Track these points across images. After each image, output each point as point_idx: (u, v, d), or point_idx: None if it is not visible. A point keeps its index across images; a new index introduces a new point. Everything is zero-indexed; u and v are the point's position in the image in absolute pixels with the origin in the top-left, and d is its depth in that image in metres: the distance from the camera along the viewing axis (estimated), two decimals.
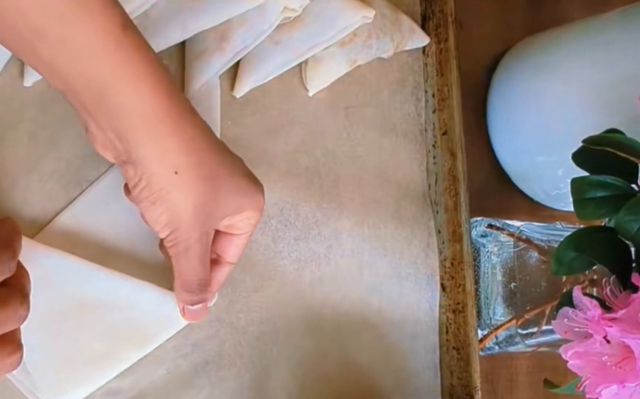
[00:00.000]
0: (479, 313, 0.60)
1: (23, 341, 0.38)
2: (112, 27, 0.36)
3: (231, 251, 0.46)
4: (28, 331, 0.38)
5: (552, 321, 0.44)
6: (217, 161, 0.41)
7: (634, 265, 0.44)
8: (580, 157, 0.47)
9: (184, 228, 0.41)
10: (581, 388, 0.41)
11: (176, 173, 0.39)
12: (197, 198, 0.40)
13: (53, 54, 0.35)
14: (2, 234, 0.37)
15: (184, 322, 0.49)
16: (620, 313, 0.40)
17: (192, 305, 0.46)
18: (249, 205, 0.44)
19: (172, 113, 0.38)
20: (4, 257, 0.36)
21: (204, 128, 0.41)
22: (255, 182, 0.45)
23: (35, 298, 0.38)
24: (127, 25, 0.37)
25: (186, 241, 0.41)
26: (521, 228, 0.60)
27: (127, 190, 0.43)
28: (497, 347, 0.61)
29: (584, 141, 0.46)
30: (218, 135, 0.51)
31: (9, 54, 0.47)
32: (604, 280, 0.44)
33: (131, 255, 0.49)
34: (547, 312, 0.55)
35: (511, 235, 0.60)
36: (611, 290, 0.43)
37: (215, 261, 0.47)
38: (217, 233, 0.45)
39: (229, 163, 0.43)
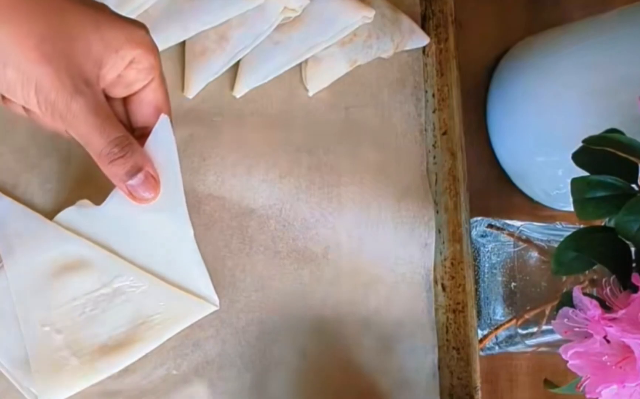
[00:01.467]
0: (479, 313, 0.60)
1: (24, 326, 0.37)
2: None
3: (146, 111, 0.42)
4: (30, 316, 0.37)
5: (552, 321, 0.44)
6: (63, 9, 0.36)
7: (634, 265, 0.44)
8: (580, 157, 0.47)
9: (45, 82, 0.36)
10: (581, 388, 0.41)
11: None
12: (35, 33, 0.35)
13: None
14: None
15: (189, 321, 0.48)
16: (620, 313, 0.40)
17: (128, 175, 0.41)
18: (123, 40, 0.38)
19: None
20: None
21: None
22: (129, 19, 0.39)
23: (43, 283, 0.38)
24: None
25: (62, 99, 0.37)
26: (521, 228, 0.60)
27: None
28: (497, 347, 0.61)
29: (584, 141, 0.46)
30: (179, 182, 0.45)
31: None
32: (604, 280, 0.44)
33: (131, 259, 0.48)
34: (547, 312, 0.55)
35: (511, 235, 0.60)
36: (611, 290, 0.43)
37: (143, 136, 0.43)
38: (125, 103, 0.42)
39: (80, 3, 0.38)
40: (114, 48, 0.38)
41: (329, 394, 0.55)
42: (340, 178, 0.58)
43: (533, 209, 0.70)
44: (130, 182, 0.41)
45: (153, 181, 0.42)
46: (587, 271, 0.49)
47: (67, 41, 0.37)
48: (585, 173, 0.46)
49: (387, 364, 0.57)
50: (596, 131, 0.47)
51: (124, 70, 0.40)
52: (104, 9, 0.39)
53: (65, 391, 0.45)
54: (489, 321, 0.60)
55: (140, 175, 0.41)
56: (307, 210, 0.56)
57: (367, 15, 0.55)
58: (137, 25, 0.40)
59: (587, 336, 0.41)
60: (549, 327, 0.55)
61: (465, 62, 0.63)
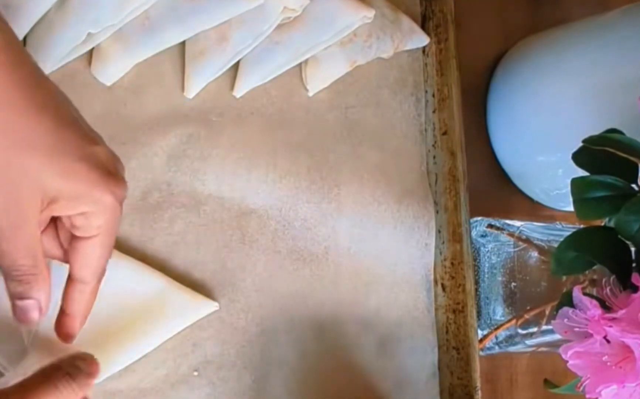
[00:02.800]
0: (479, 313, 0.60)
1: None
2: None
3: (78, 261, 0.39)
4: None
5: (552, 321, 0.44)
6: (29, 126, 0.35)
7: (634, 265, 0.44)
8: (580, 157, 0.47)
9: None
10: (581, 388, 0.41)
11: None
12: None
13: None
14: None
15: (189, 321, 0.48)
16: (620, 313, 0.40)
17: (18, 298, 0.38)
18: (86, 196, 0.37)
19: None
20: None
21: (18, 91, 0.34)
22: (103, 176, 0.37)
23: None
24: None
25: None
26: (521, 228, 0.60)
27: None
28: (497, 347, 0.61)
29: (584, 141, 0.46)
30: None
31: None
32: (604, 280, 0.44)
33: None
34: (547, 312, 0.55)
35: (511, 235, 0.60)
36: (611, 290, 0.43)
37: (70, 280, 0.40)
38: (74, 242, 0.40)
39: (61, 138, 0.36)
40: (75, 198, 0.37)
41: (329, 394, 0.55)
42: (340, 178, 0.58)
43: (533, 209, 0.70)
44: (16, 301, 0.39)
45: (35, 315, 0.39)
46: (587, 271, 0.49)
47: (12, 183, 0.35)
48: (585, 173, 0.46)
49: (387, 364, 0.57)
50: (596, 131, 0.47)
51: (74, 215, 0.38)
52: (81, 150, 0.37)
53: None
54: (489, 321, 0.61)
55: (29, 303, 0.39)
56: (307, 210, 0.56)
57: (367, 15, 0.55)
58: (102, 185, 0.37)
59: (587, 336, 0.41)
60: (549, 327, 0.55)
61: (465, 62, 0.63)
